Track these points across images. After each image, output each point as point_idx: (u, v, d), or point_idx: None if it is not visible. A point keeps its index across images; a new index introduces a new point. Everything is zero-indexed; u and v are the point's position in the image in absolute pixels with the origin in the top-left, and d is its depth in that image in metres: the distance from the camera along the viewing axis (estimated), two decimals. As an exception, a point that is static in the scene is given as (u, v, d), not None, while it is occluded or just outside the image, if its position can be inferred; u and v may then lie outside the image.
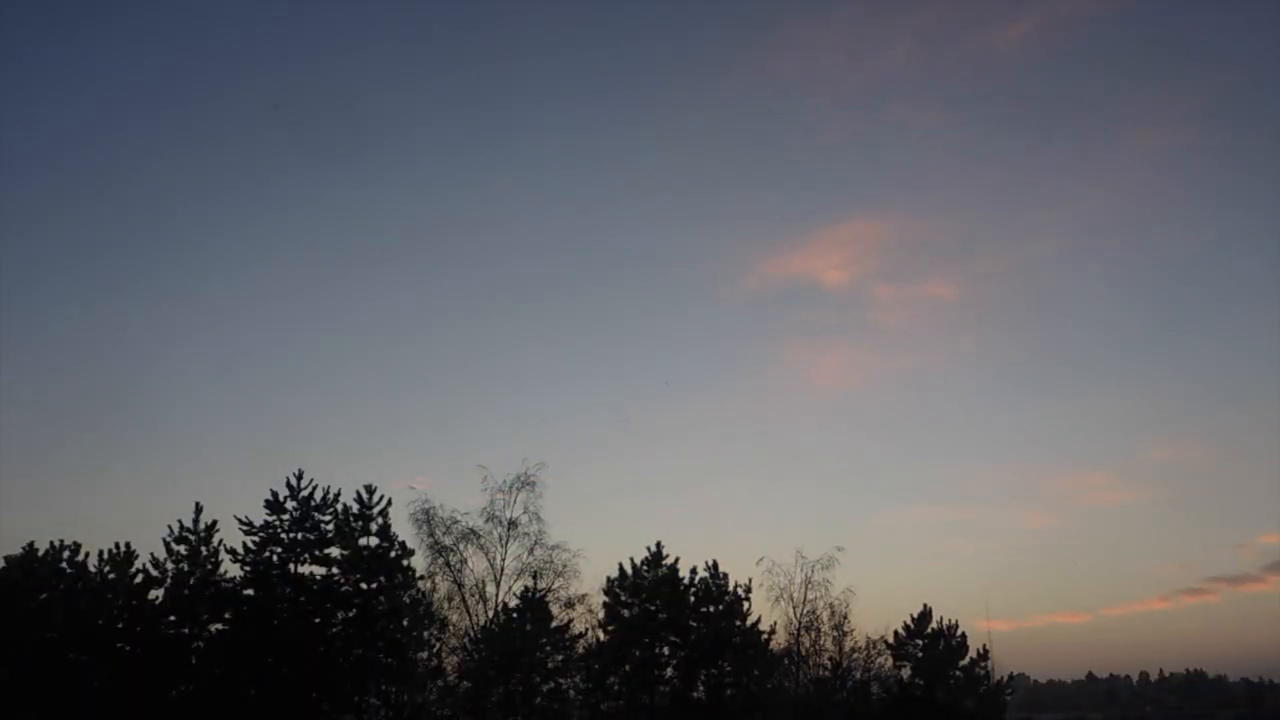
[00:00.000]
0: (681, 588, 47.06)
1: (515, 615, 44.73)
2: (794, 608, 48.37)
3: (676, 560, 47.47)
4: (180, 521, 43.89)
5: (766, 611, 48.84)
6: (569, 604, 45.42)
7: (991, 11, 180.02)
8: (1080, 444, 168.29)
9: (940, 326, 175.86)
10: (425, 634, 44.03)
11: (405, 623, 43.37)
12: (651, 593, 46.73)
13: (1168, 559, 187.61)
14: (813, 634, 48.75)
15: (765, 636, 47.29)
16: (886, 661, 51.52)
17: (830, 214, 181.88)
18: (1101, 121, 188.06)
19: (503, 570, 45.70)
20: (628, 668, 45.95)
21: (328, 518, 43.05)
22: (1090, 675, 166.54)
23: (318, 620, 41.90)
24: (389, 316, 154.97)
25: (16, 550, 44.16)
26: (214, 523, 44.02)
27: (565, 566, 45.42)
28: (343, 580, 42.75)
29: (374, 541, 43.34)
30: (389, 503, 44.00)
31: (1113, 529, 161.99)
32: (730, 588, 47.55)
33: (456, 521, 45.52)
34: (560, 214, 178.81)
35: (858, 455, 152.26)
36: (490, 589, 45.64)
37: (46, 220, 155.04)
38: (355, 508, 43.47)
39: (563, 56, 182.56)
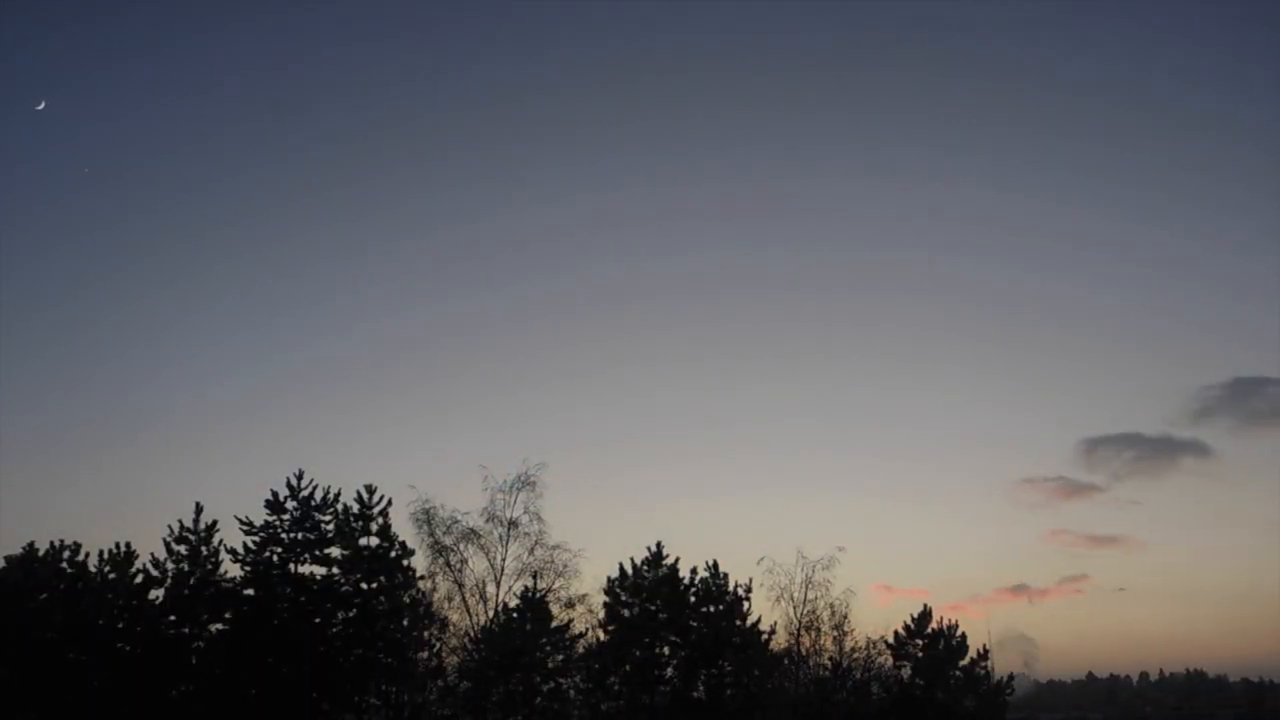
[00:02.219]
0: (681, 588, 47.00)
1: (515, 615, 44.67)
2: (794, 608, 48.41)
3: (676, 560, 47.44)
4: (180, 521, 43.94)
5: (767, 611, 48.81)
6: (569, 604, 45.40)
7: None
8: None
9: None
10: (425, 634, 43.99)
11: (405, 623, 43.36)
12: (652, 593, 46.67)
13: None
14: (813, 634, 48.78)
15: (765, 636, 47.29)
16: (886, 661, 51.55)
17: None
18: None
19: (503, 570, 45.74)
20: (628, 668, 45.90)
21: (328, 518, 43.04)
22: (1090, 675, 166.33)
23: (318, 620, 41.88)
24: (389, 317, 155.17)
25: (16, 550, 44.25)
26: (214, 523, 44.05)
27: (566, 566, 45.44)
28: (343, 580, 42.73)
29: (374, 541, 43.33)
30: (389, 503, 44.06)
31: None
32: (730, 588, 47.53)
33: (457, 521, 45.55)
34: (561, 213, 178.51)
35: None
36: (490, 589, 45.68)
37: (48, 220, 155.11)
38: (355, 508, 43.44)
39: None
